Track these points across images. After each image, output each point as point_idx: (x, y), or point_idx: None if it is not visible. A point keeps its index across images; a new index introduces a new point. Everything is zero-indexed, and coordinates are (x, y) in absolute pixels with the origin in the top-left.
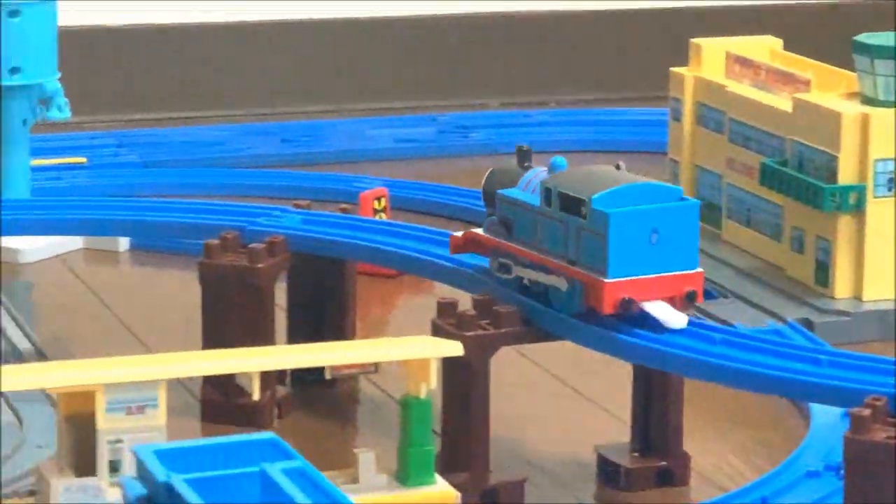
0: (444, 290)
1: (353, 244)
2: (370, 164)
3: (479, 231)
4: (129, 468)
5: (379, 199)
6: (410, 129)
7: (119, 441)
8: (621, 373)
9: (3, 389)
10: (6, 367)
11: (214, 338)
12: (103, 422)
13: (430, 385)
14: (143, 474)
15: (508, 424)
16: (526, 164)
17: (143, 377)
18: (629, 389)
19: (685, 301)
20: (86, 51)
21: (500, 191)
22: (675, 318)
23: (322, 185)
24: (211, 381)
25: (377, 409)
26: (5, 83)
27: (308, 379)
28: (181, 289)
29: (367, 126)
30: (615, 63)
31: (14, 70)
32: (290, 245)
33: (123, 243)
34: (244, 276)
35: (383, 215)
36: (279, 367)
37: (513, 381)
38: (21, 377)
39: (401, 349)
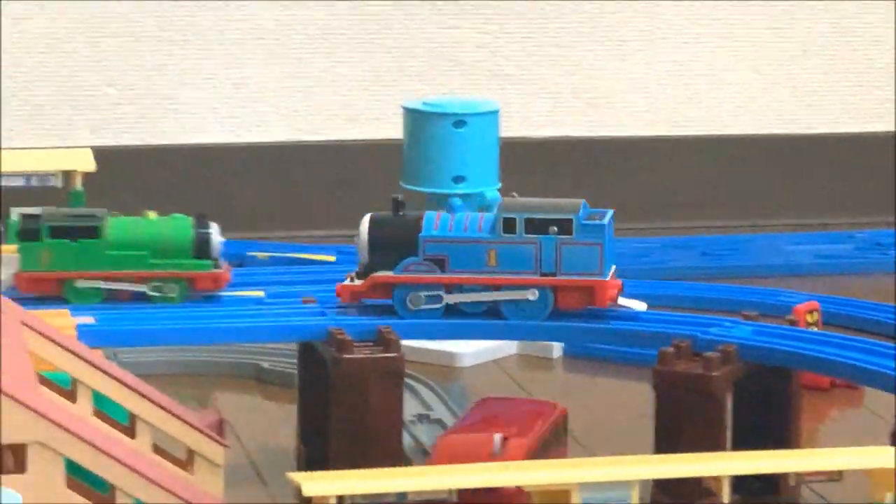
0: (875, 405)
1: (805, 355)
2: (790, 278)
3: (385, 274)
4: None
5: (811, 312)
6: (829, 246)
7: None
8: None
9: (466, 486)
10: (470, 466)
11: (667, 442)
12: None
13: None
14: None
15: None
16: (401, 213)
17: (620, 477)
18: None
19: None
20: (517, 161)
21: (423, 234)
22: (639, 305)
23: (746, 298)
24: (661, 485)
25: None
26: (449, 191)
27: (752, 486)
28: (616, 394)
29: (785, 241)
30: None
31: (457, 179)
32: (741, 354)
33: (557, 349)
34: (699, 384)
35: (815, 328)
36: (750, 472)
37: None
38: (490, 475)
39: (867, 458)
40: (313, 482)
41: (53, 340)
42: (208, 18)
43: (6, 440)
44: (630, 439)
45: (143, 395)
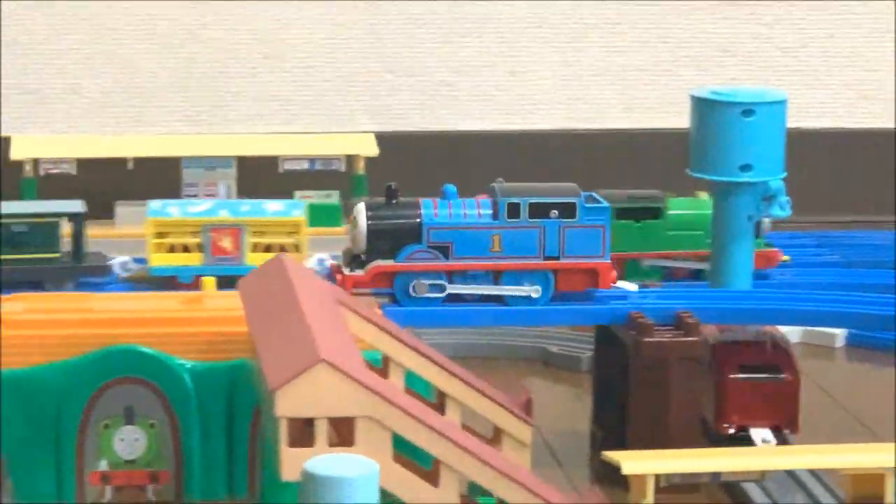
0: None
1: None
2: None
3: (388, 263)
4: None
5: None
6: None
7: None
8: None
9: (779, 469)
10: (781, 449)
11: None
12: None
13: None
14: None
15: None
16: (394, 201)
17: None
18: None
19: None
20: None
21: (427, 221)
22: (631, 286)
23: None
24: None
25: None
26: (735, 180)
27: None
28: None
29: None
30: None
31: (744, 167)
32: None
33: (840, 338)
34: None
35: None
36: None
37: None
38: (800, 458)
39: None
40: (632, 461)
41: (368, 319)
42: (487, 7)
43: (337, 414)
44: None
45: (453, 374)
